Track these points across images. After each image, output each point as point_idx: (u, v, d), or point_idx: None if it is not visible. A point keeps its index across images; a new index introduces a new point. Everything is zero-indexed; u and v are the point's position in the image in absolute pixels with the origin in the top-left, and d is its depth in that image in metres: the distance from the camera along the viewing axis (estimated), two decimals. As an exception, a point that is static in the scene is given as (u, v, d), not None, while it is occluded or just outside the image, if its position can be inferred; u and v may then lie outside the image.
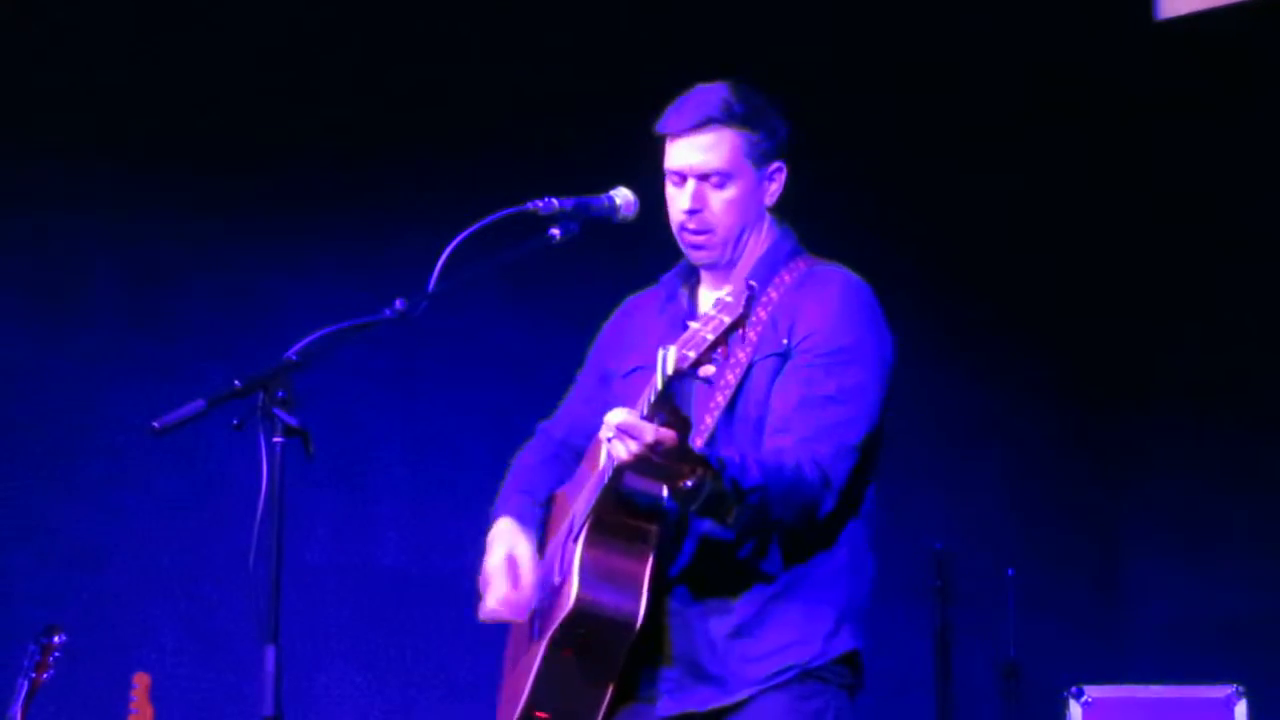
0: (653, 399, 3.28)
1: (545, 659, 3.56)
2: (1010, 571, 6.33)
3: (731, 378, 3.53)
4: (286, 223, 6.58)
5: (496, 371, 6.48)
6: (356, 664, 6.51)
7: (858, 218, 6.98)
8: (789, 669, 3.57)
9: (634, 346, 3.83)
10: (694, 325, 3.21)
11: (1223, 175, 7.00)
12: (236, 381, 3.32)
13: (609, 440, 3.32)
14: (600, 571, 3.51)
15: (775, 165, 3.76)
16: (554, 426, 4.00)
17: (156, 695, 5.54)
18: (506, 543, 3.78)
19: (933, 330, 7.10)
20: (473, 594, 4.05)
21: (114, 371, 6.38)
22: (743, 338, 3.23)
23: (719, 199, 3.69)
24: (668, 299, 3.83)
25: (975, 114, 7.10)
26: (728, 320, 3.18)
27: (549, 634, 3.55)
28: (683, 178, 3.69)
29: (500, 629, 3.91)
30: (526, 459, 3.97)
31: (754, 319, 3.56)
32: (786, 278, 3.67)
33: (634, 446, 3.28)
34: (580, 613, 3.49)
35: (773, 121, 3.76)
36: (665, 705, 3.60)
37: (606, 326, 3.99)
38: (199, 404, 3.34)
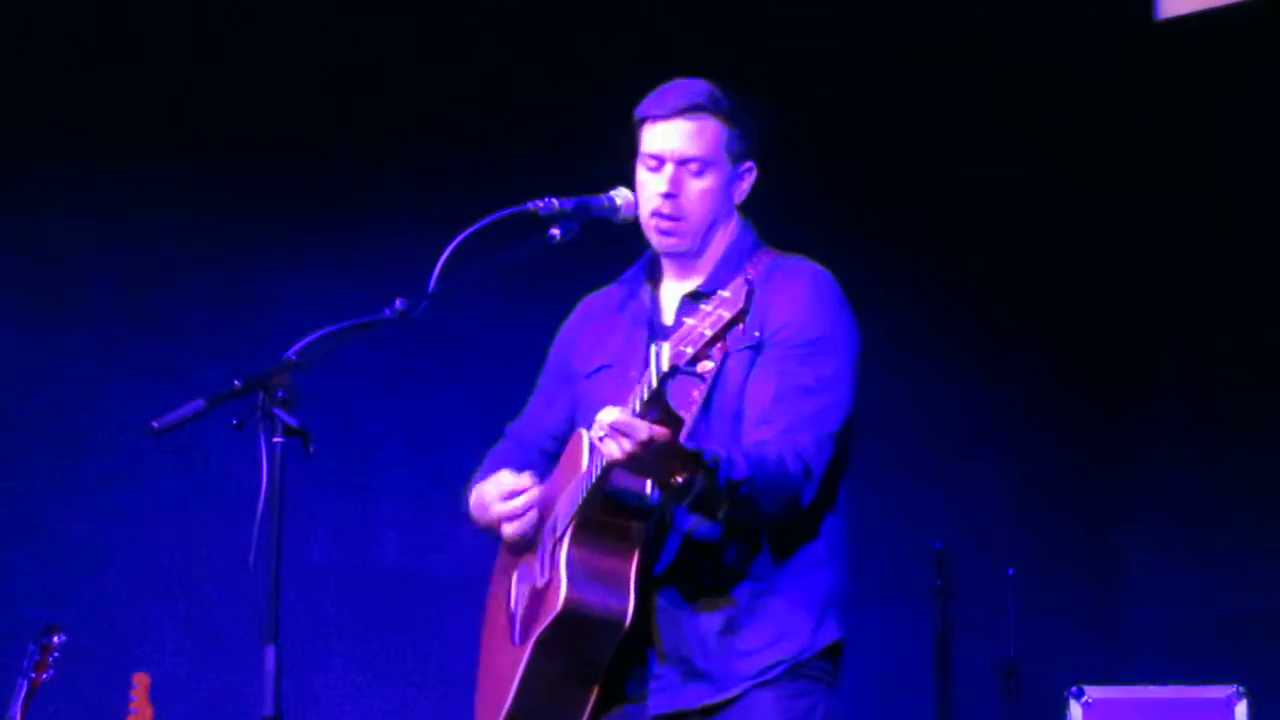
0: (645, 396, 3.28)
1: (531, 662, 3.55)
2: (1010, 571, 6.32)
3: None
4: (286, 223, 6.58)
5: (497, 372, 6.47)
6: (356, 664, 6.51)
7: (858, 219, 6.98)
8: (779, 663, 3.58)
9: (597, 345, 3.84)
10: (689, 321, 3.21)
11: (1223, 175, 7.00)
12: (236, 381, 3.33)
13: (601, 439, 3.31)
14: (588, 571, 3.51)
15: (748, 164, 3.77)
16: (521, 429, 4.01)
17: (156, 695, 5.54)
18: (500, 477, 3.78)
19: (933, 330, 7.10)
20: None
21: (114, 371, 6.38)
22: (740, 333, 3.23)
23: (695, 186, 3.69)
24: (629, 296, 3.84)
25: (975, 114, 7.10)
26: (727, 315, 3.18)
27: (536, 636, 3.54)
28: (660, 162, 3.69)
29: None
30: (499, 457, 3.97)
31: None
32: (751, 272, 3.67)
33: (627, 445, 3.28)
34: (569, 613, 3.48)
35: (751, 121, 3.77)
36: (657, 704, 3.60)
37: (566, 326, 3.99)
38: (199, 404, 3.34)
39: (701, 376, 3.24)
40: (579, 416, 3.80)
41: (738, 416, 3.58)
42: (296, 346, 3.40)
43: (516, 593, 3.77)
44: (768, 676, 3.57)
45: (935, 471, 7.04)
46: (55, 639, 5.49)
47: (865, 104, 7.01)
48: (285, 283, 6.50)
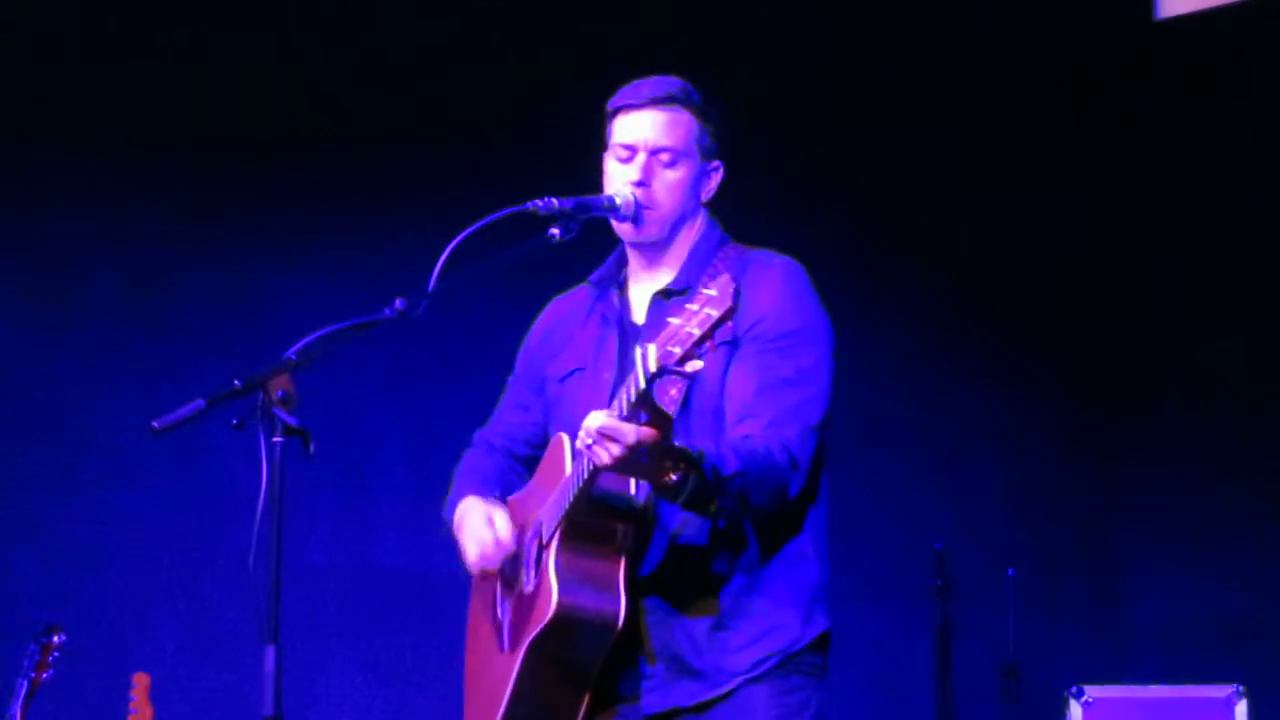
0: (633, 398, 3.26)
1: (523, 668, 3.55)
2: (1010, 571, 6.33)
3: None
4: (286, 222, 6.58)
5: (497, 371, 6.47)
6: (356, 664, 6.51)
7: (857, 220, 6.98)
8: (770, 656, 3.59)
9: (567, 349, 3.84)
10: (675, 321, 3.19)
11: (1223, 175, 7.00)
12: (236, 381, 3.32)
13: (589, 446, 3.30)
14: (577, 575, 3.50)
15: (716, 163, 3.78)
16: (491, 434, 4.01)
17: (156, 695, 5.53)
18: (482, 507, 3.77)
19: (933, 330, 7.11)
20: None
21: (114, 371, 6.38)
22: (728, 331, 3.21)
23: (667, 177, 3.71)
24: (597, 298, 3.84)
25: (975, 114, 7.10)
26: (715, 314, 3.16)
27: (527, 642, 3.53)
28: (633, 152, 3.70)
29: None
30: (471, 467, 3.97)
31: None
32: (720, 267, 3.68)
33: (616, 450, 3.27)
34: (561, 617, 3.48)
35: (720, 120, 3.78)
36: (650, 703, 3.60)
37: (534, 330, 3.99)
38: (199, 404, 3.34)
39: (690, 376, 3.22)
40: (552, 421, 3.81)
41: (718, 413, 3.58)
42: (296, 346, 3.39)
43: (501, 601, 3.76)
44: (759, 671, 3.58)
45: (935, 471, 7.05)
46: (55, 639, 5.49)
47: (865, 104, 7.01)
48: (285, 283, 6.51)
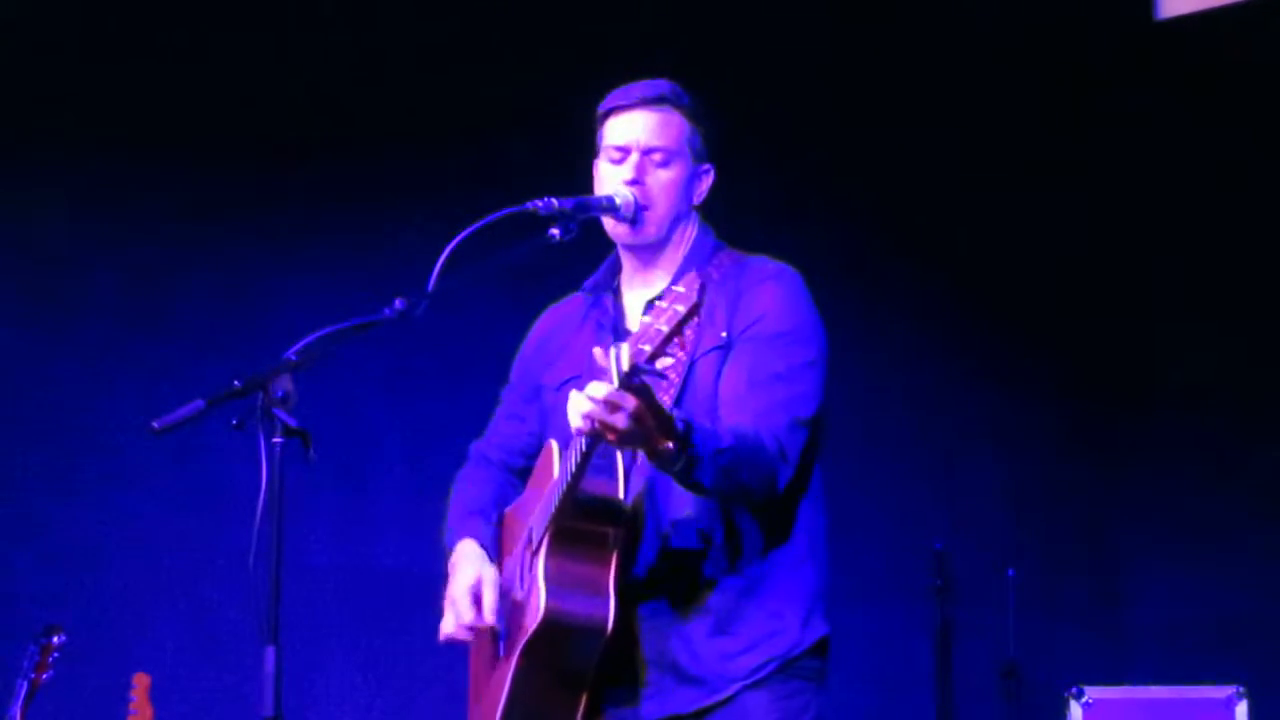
0: (614, 384, 3.24)
1: (517, 675, 3.54)
2: (1010, 571, 6.32)
3: (675, 376, 3.53)
4: (285, 222, 6.58)
5: (496, 372, 6.47)
6: (356, 664, 6.51)
7: (857, 219, 6.98)
8: (769, 662, 3.58)
9: (562, 357, 3.83)
10: (645, 319, 3.19)
11: (1223, 175, 7.00)
12: (236, 381, 3.32)
13: (589, 420, 3.25)
14: (566, 580, 3.50)
15: (707, 165, 3.79)
16: (487, 447, 3.99)
17: (156, 695, 5.53)
18: (474, 567, 3.75)
19: (932, 330, 7.10)
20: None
21: (114, 371, 6.38)
22: (697, 326, 3.20)
23: (660, 176, 3.71)
24: (592, 305, 3.84)
25: (975, 114, 7.10)
26: (682, 310, 3.16)
27: (519, 647, 3.53)
28: (625, 153, 3.71)
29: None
30: (468, 481, 3.95)
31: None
32: (715, 274, 3.68)
33: (621, 418, 3.22)
34: (550, 622, 3.47)
35: (710, 124, 3.79)
36: (649, 709, 3.60)
37: (528, 340, 3.99)
38: (198, 404, 3.34)
39: (662, 374, 3.21)
40: (548, 429, 3.79)
41: (712, 417, 3.56)
42: (296, 346, 3.39)
43: (500, 609, 3.76)
44: (758, 676, 3.57)
45: (935, 471, 7.04)
46: (55, 639, 5.49)
47: (864, 104, 7.01)
48: (285, 283, 6.51)
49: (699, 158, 3.75)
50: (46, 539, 6.29)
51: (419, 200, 6.47)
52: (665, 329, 3.15)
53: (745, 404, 3.53)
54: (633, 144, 3.70)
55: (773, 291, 3.66)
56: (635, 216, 3.68)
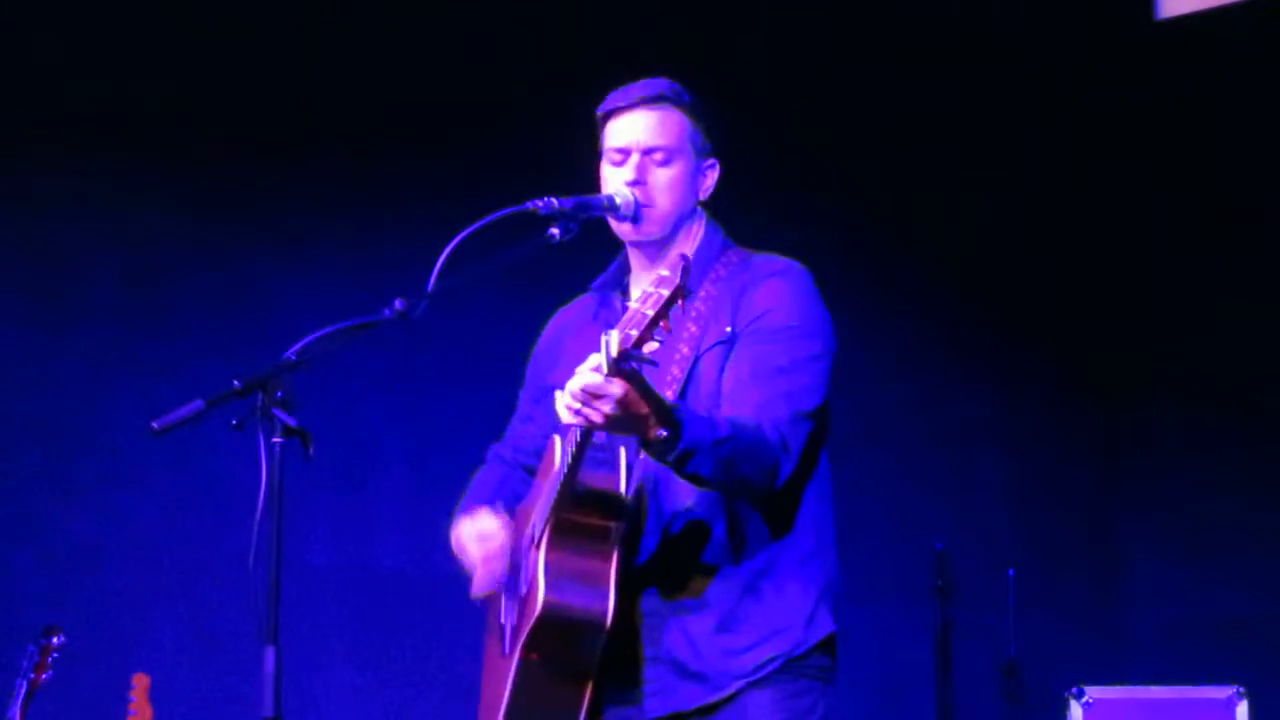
0: (604, 370, 3.23)
1: (519, 669, 3.54)
2: (1010, 571, 6.32)
3: (678, 371, 3.54)
4: (285, 222, 6.58)
5: (496, 372, 6.46)
6: (356, 664, 6.51)
7: (857, 219, 6.98)
8: (773, 660, 3.56)
9: (571, 358, 3.79)
10: (633, 305, 3.19)
11: (1223, 175, 7.00)
12: (236, 381, 3.32)
13: (576, 411, 3.27)
14: (565, 573, 3.49)
15: (711, 161, 3.78)
16: (504, 449, 4.00)
17: (156, 695, 5.53)
18: (472, 517, 3.77)
19: (933, 331, 7.11)
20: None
21: (114, 371, 6.38)
22: (690, 315, 3.18)
23: (662, 175, 3.70)
24: (601, 305, 3.84)
25: (975, 114, 7.10)
26: (666, 293, 3.16)
27: (521, 642, 3.53)
28: (626, 154, 3.70)
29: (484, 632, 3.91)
30: (482, 482, 3.96)
31: (695, 312, 3.59)
32: (722, 271, 3.68)
33: (606, 407, 3.23)
34: (549, 615, 3.47)
35: (712, 119, 3.78)
36: (653, 706, 3.59)
37: (540, 341, 3.99)
38: (198, 404, 3.33)
39: (652, 360, 3.20)
40: (556, 430, 3.78)
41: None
42: (296, 346, 3.39)
43: (507, 606, 3.76)
44: (762, 674, 3.56)
45: (935, 471, 7.05)
46: (55, 639, 5.49)
47: (864, 104, 7.01)
48: (285, 283, 6.51)
49: (701, 153, 3.75)
50: (46, 539, 6.29)
51: (419, 200, 6.47)
52: (650, 313, 3.16)
53: (747, 396, 3.52)
54: (633, 145, 3.70)
55: (779, 286, 3.66)
56: (636, 215, 3.68)
